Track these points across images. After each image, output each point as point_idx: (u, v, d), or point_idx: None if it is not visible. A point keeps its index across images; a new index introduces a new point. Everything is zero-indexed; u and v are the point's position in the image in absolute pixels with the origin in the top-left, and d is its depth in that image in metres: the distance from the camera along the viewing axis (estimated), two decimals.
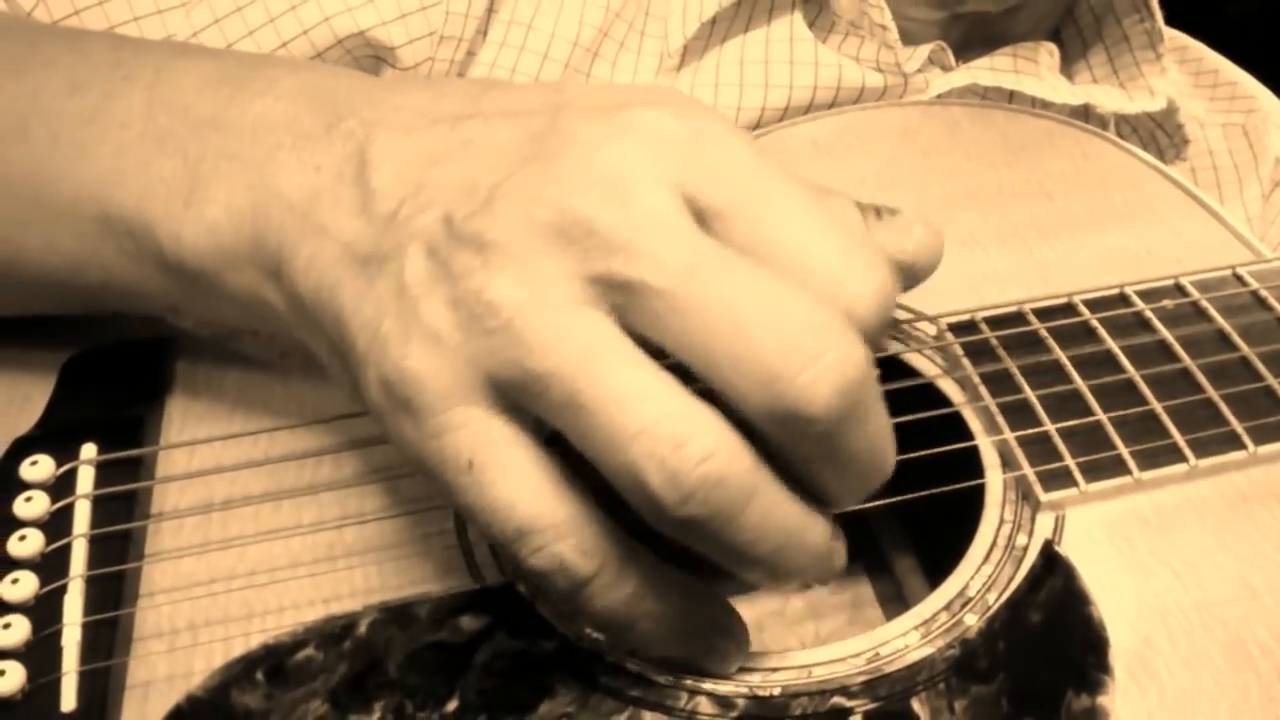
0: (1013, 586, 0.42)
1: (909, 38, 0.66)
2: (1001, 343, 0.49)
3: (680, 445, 0.32)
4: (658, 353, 0.34)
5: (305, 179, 0.39)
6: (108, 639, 0.42)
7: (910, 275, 0.42)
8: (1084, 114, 0.68)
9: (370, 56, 0.59)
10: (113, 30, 0.56)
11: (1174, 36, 0.77)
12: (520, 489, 0.35)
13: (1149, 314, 0.50)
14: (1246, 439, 0.46)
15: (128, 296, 0.46)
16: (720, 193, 0.35)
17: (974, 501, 0.46)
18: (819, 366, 0.32)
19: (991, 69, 0.67)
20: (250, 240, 0.40)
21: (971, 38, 0.68)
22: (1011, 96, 0.67)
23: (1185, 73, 0.77)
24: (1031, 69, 0.67)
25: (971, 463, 0.47)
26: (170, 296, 0.45)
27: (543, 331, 0.33)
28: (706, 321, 0.33)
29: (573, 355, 0.33)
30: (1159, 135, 0.71)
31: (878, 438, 0.35)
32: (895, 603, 0.54)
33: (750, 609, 0.54)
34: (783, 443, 0.34)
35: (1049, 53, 0.68)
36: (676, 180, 0.34)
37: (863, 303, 0.34)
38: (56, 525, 0.45)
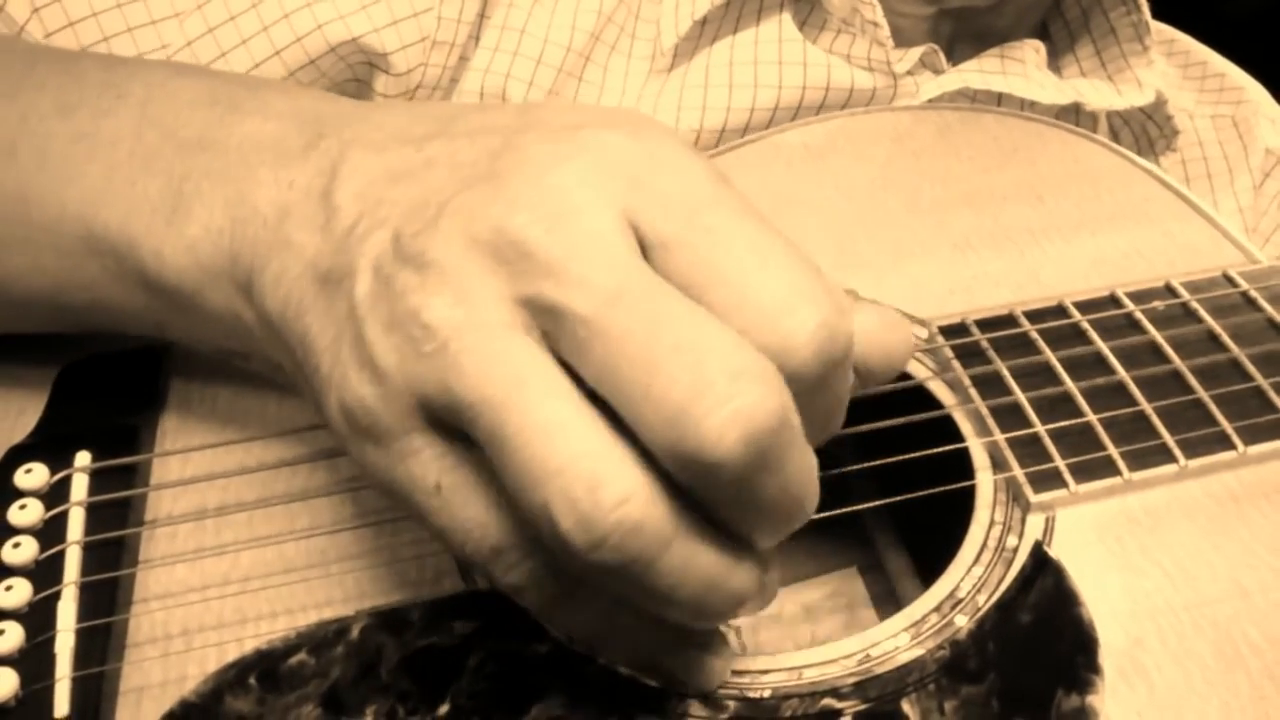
0: (1003, 587, 0.42)
1: (899, 34, 0.66)
2: (992, 344, 0.50)
3: (594, 488, 0.31)
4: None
5: (279, 195, 0.39)
6: (101, 645, 0.42)
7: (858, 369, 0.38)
8: (1073, 112, 0.68)
9: (364, 63, 0.59)
10: (107, 40, 0.56)
11: (1161, 29, 0.78)
12: (490, 509, 0.34)
13: (1139, 315, 0.50)
14: (1236, 439, 0.46)
15: (113, 316, 0.46)
16: (667, 222, 0.33)
17: (966, 502, 0.46)
18: (727, 411, 0.30)
19: (980, 71, 0.67)
20: (228, 257, 0.40)
21: (959, 33, 0.69)
22: (1000, 99, 0.67)
23: (1174, 65, 0.77)
24: (1019, 69, 0.67)
25: (962, 464, 0.47)
26: (154, 316, 0.44)
27: (475, 357, 0.32)
28: (623, 352, 0.31)
29: (500, 382, 0.32)
30: (1150, 127, 0.71)
31: (793, 484, 0.33)
32: (890, 605, 0.54)
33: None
34: (693, 486, 0.33)
35: (1035, 50, 0.68)
36: (623, 205, 0.33)
37: (802, 338, 0.32)
38: (50, 532, 0.45)
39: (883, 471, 0.46)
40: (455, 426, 0.34)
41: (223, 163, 0.41)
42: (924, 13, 0.67)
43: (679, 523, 0.33)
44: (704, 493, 0.33)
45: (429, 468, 0.35)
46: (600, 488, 0.31)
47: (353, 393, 0.35)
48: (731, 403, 0.31)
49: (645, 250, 0.33)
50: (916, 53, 0.66)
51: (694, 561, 0.33)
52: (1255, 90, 0.75)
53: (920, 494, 0.45)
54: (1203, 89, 0.76)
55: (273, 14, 0.57)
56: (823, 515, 0.43)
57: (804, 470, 0.33)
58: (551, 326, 0.33)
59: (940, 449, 0.47)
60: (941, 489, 0.46)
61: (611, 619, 0.36)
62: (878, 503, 0.46)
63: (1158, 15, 0.69)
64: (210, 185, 0.41)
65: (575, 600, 0.35)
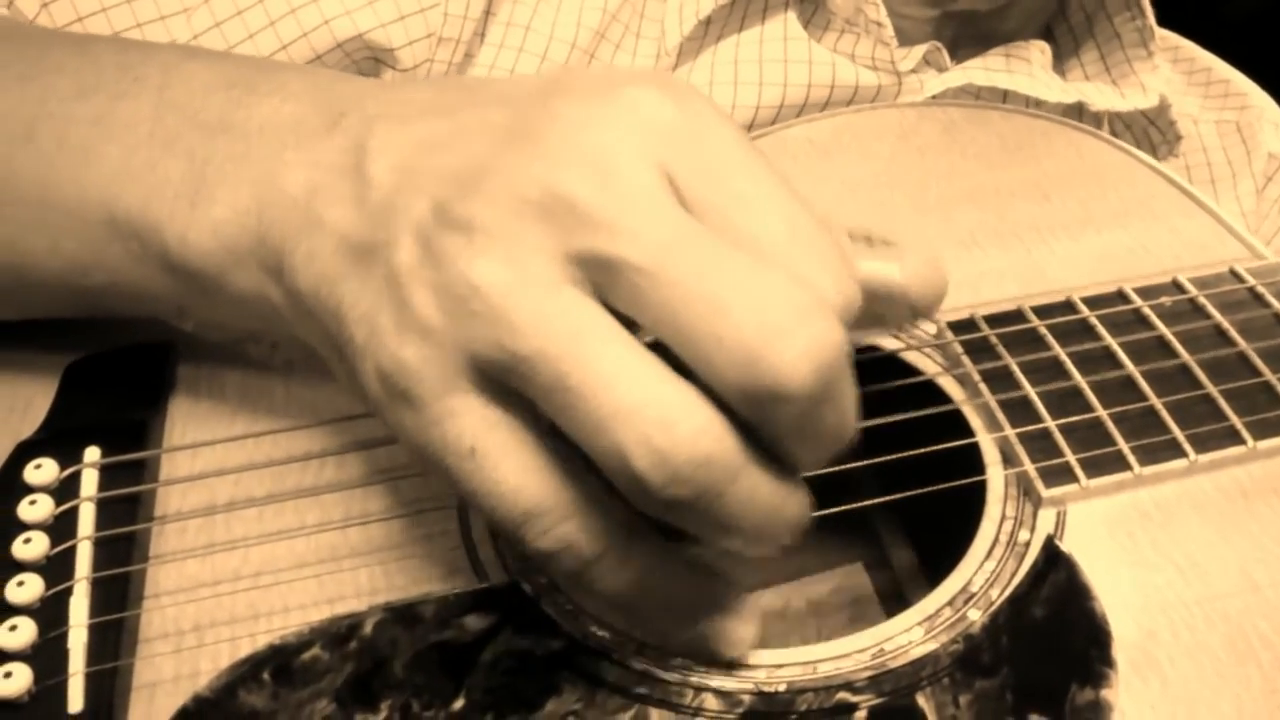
0: (1015, 582, 0.42)
1: (903, 36, 0.66)
2: (1001, 340, 0.50)
3: (667, 426, 0.32)
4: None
5: (306, 175, 0.39)
6: (114, 640, 0.42)
7: (904, 303, 0.41)
8: (1077, 112, 0.68)
9: (369, 59, 0.59)
10: (117, 35, 0.56)
11: (1166, 36, 0.78)
12: (523, 472, 0.35)
13: (1147, 311, 0.51)
14: (1246, 434, 0.46)
15: (134, 299, 0.46)
16: (700, 183, 0.34)
17: (973, 498, 0.46)
18: (799, 346, 0.32)
19: (985, 69, 0.67)
20: (254, 238, 0.40)
21: (963, 35, 0.69)
22: (1005, 96, 0.67)
23: (1179, 71, 0.78)
24: (1024, 68, 0.68)
25: (972, 460, 0.47)
26: (176, 298, 0.45)
27: (527, 313, 0.33)
28: (686, 299, 0.33)
29: (558, 336, 0.33)
30: (1152, 132, 0.71)
31: (847, 411, 0.35)
32: (895, 600, 0.55)
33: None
34: (757, 418, 0.34)
35: (1041, 50, 0.69)
36: (661, 160, 0.34)
37: (832, 291, 0.34)
38: (61, 528, 0.45)
39: (889, 467, 0.46)
40: (502, 384, 0.35)
41: (245, 145, 0.41)
42: (927, 15, 0.67)
43: (744, 456, 0.34)
44: (767, 424, 0.34)
45: (464, 430, 0.35)
46: (671, 425, 0.32)
47: (390, 355, 0.35)
48: (802, 338, 0.32)
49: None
50: (920, 50, 0.66)
51: (759, 489, 0.34)
52: (1259, 96, 0.76)
53: (931, 489, 0.45)
54: (1207, 95, 0.76)
55: (279, 9, 0.57)
56: (834, 511, 0.44)
57: (853, 397, 0.35)
58: (606, 280, 0.34)
59: (951, 444, 0.47)
60: (953, 484, 0.46)
61: (641, 585, 0.37)
62: (888, 498, 0.46)
63: (1158, 15, 0.69)
64: (234, 167, 0.41)
65: (608, 566, 0.36)
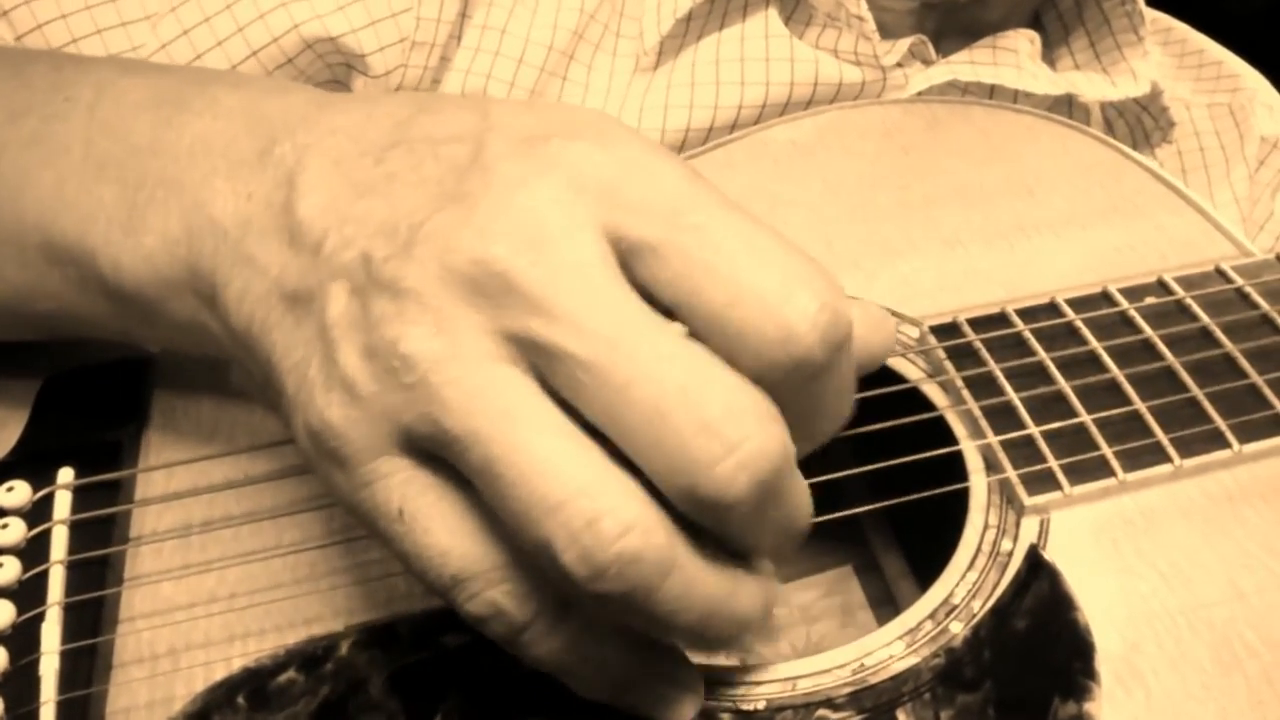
0: (998, 593, 0.42)
1: (885, 29, 0.65)
2: (984, 344, 0.49)
3: (595, 520, 0.31)
4: None
5: (237, 206, 0.38)
6: (87, 667, 0.41)
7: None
8: (1067, 104, 0.67)
9: (342, 64, 0.58)
10: (76, 43, 0.55)
11: (1157, 18, 0.77)
12: (452, 536, 0.34)
13: (1132, 312, 0.50)
14: (1231, 437, 0.45)
15: (80, 323, 0.45)
16: (650, 226, 0.33)
17: (959, 504, 0.46)
18: (737, 456, 0.31)
19: (971, 63, 0.66)
20: (186, 268, 0.39)
21: (946, 27, 0.68)
22: (992, 91, 0.66)
23: (1170, 54, 0.77)
24: (1011, 60, 0.67)
25: (957, 466, 0.47)
26: (119, 324, 0.44)
27: (459, 390, 0.32)
28: (629, 400, 0.31)
29: (490, 418, 0.32)
30: (1145, 119, 0.70)
31: (794, 508, 0.34)
32: (886, 605, 0.54)
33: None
34: (700, 520, 0.33)
35: (1029, 40, 0.68)
36: (602, 220, 0.33)
37: (805, 324, 0.32)
38: (33, 552, 0.44)
39: (877, 472, 0.46)
40: (432, 454, 0.34)
41: (175, 169, 0.40)
42: (907, 7, 0.66)
43: (679, 549, 0.33)
44: (709, 525, 0.33)
45: (392, 493, 0.34)
46: (599, 520, 0.31)
47: (318, 415, 0.34)
48: (741, 448, 0.31)
49: (632, 258, 0.33)
50: (905, 44, 0.65)
51: (696, 586, 0.33)
52: (1252, 78, 0.74)
53: (915, 497, 0.45)
54: (1199, 77, 0.75)
55: (248, 14, 0.56)
56: (819, 519, 0.43)
57: (802, 491, 0.34)
58: (543, 364, 0.32)
59: (934, 452, 0.46)
60: (935, 492, 0.45)
61: (574, 651, 0.36)
62: (873, 506, 0.46)
63: (1160, 7, 0.69)
64: (165, 193, 0.40)
65: (539, 632, 0.35)
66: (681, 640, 0.35)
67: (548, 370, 0.32)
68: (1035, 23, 0.72)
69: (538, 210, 0.33)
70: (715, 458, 0.31)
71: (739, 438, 0.31)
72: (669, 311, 0.33)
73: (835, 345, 0.33)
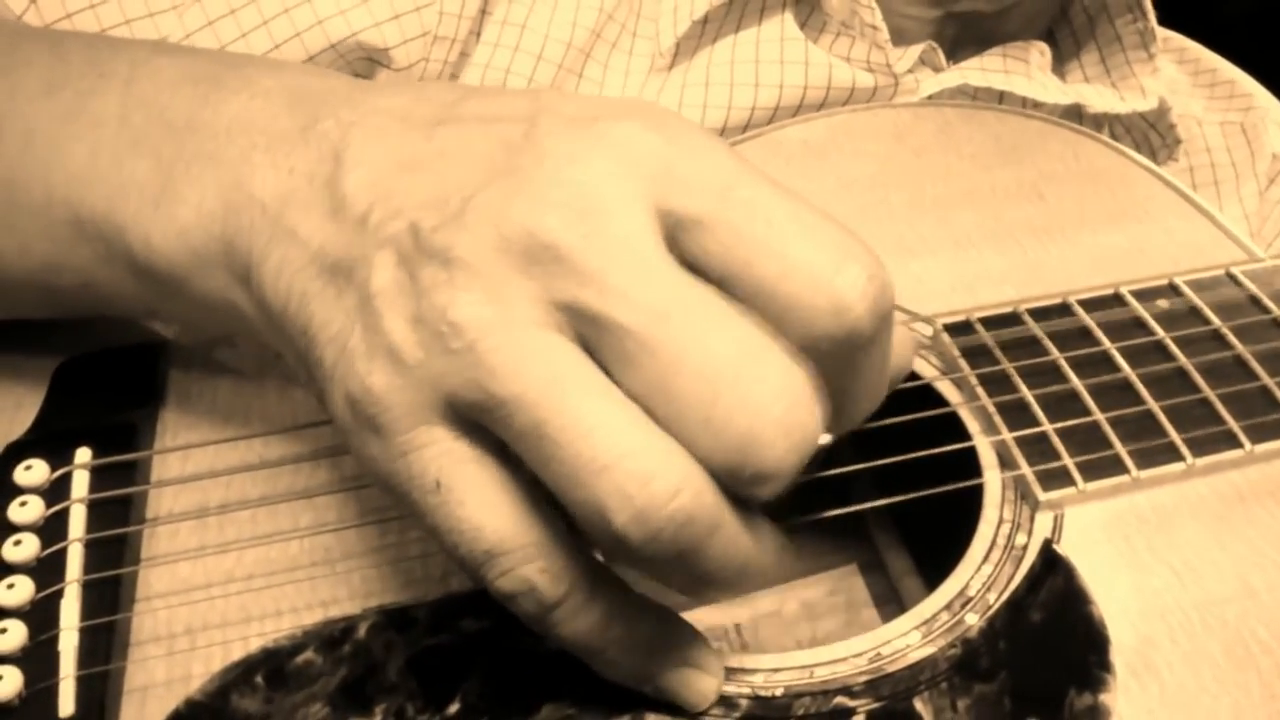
0: (1013, 586, 0.42)
1: (903, 36, 0.66)
2: (998, 343, 0.50)
3: (647, 482, 0.31)
4: None
5: (278, 181, 0.38)
6: (105, 644, 0.41)
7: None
8: (1076, 114, 0.68)
9: (364, 59, 0.58)
10: (103, 32, 0.55)
11: (1171, 37, 0.78)
12: (488, 510, 0.34)
13: (1144, 313, 0.50)
14: (1243, 437, 0.46)
15: (105, 299, 0.45)
16: (699, 200, 0.33)
17: (969, 501, 0.46)
18: (789, 440, 0.32)
19: (982, 69, 0.67)
20: (221, 243, 0.39)
21: (964, 36, 0.69)
22: (1002, 97, 0.67)
23: (1184, 72, 0.78)
24: (1022, 69, 0.67)
25: (969, 463, 0.47)
26: (145, 300, 0.44)
27: (507, 355, 0.32)
28: (679, 374, 0.32)
29: (538, 382, 0.32)
30: (1151, 135, 0.71)
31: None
32: (890, 603, 0.54)
33: (746, 610, 0.54)
34: (735, 489, 0.33)
35: (1040, 52, 0.69)
36: (652, 196, 0.33)
37: (855, 294, 0.32)
38: (52, 530, 0.44)
39: (883, 469, 0.46)
40: (475, 423, 0.34)
41: (213, 144, 0.40)
42: (929, 15, 0.67)
43: (724, 508, 0.33)
44: (745, 494, 0.33)
45: (430, 464, 0.34)
46: (652, 482, 0.32)
47: (360, 383, 0.34)
48: (791, 432, 0.32)
49: (681, 232, 0.33)
50: (916, 50, 0.66)
51: (736, 542, 0.34)
52: (1264, 98, 0.75)
53: (929, 493, 0.45)
54: (1212, 95, 0.76)
55: (273, 8, 0.57)
56: (830, 514, 0.43)
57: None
58: (591, 333, 0.33)
59: (948, 448, 0.47)
60: (950, 488, 0.46)
61: (603, 631, 0.36)
62: (884, 501, 0.46)
63: (1158, 12, 0.69)
64: (201, 168, 0.40)
65: (569, 611, 0.35)
66: (713, 592, 0.35)
67: (596, 341, 0.33)
68: (1048, 36, 0.73)
69: (590, 184, 0.33)
70: (768, 440, 0.32)
71: (790, 420, 0.32)
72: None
73: (883, 317, 0.33)
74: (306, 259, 0.36)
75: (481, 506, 0.34)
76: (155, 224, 0.41)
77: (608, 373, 0.33)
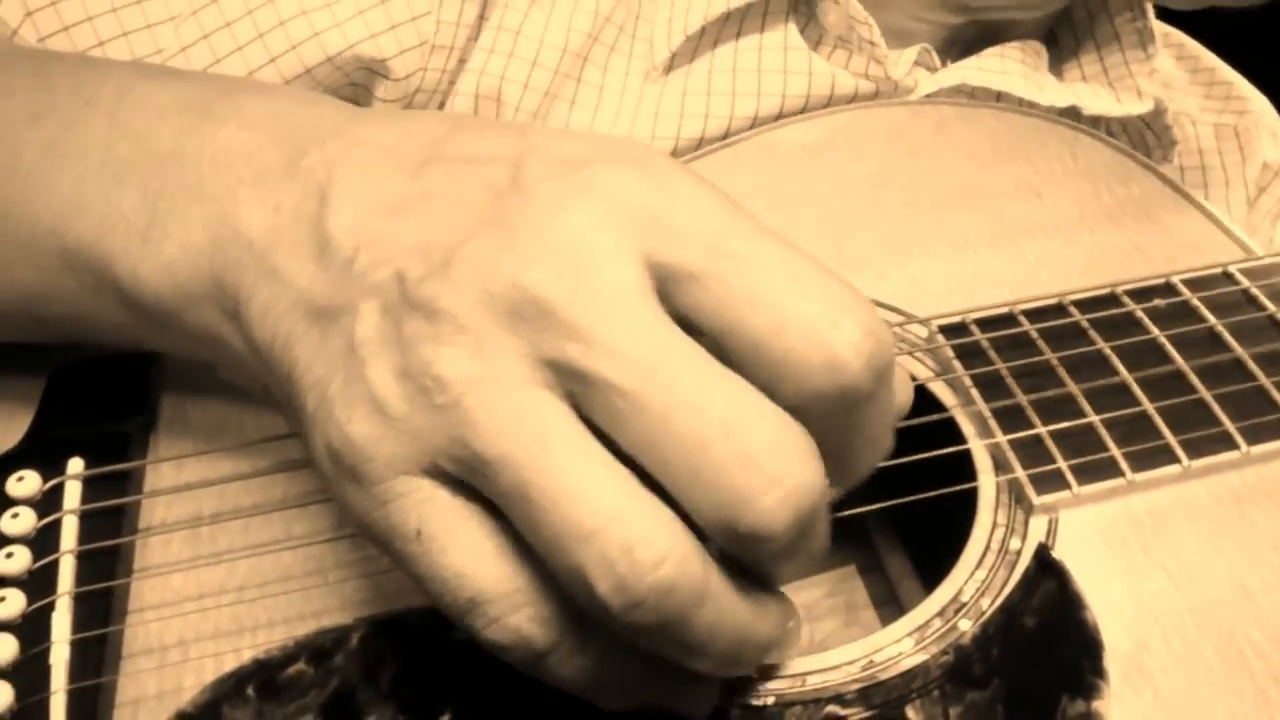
0: (1006, 591, 0.42)
1: (913, 37, 0.66)
2: (992, 344, 0.49)
3: (630, 549, 0.31)
4: None
5: (264, 218, 0.38)
6: (97, 656, 0.41)
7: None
8: (1073, 115, 0.68)
9: (362, 69, 0.58)
10: (102, 45, 0.55)
11: (1170, 34, 0.77)
12: (471, 558, 0.33)
13: (1140, 314, 0.50)
14: (1239, 439, 0.45)
15: (93, 330, 0.45)
16: (690, 252, 0.32)
17: (968, 503, 0.46)
18: (780, 492, 0.31)
19: (979, 69, 0.67)
20: (208, 279, 0.39)
21: (979, 39, 0.68)
22: (999, 98, 0.67)
23: (1182, 69, 0.77)
24: (1018, 69, 0.67)
25: (965, 465, 0.47)
26: (133, 332, 0.43)
27: (493, 413, 0.32)
28: (667, 429, 0.31)
29: (524, 442, 0.31)
30: (1148, 136, 0.70)
31: (820, 538, 0.34)
32: (890, 605, 0.54)
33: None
34: (732, 550, 0.33)
35: (1036, 53, 0.68)
36: (641, 247, 0.32)
37: (850, 350, 0.32)
38: (43, 541, 0.44)
39: (883, 471, 0.46)
40: (456, 478, 0.33)
41: (197, 176, 0.40)
42: (952, 21, 0.66)
43: (713, 577, 0.32)
44: (740, 555, 0.33)
45: (410, 513, 0.34)
46: (635, 549, 0.31)
47: (339, 431, 0.34)
48: (783, 483, 0.31)
49: (672, 285, 0.33)
50: (911, 54, 0.66)
51: (727, 614, 0.33)
52: (1259, 102, 0.75)
53: (924, 496, 0.45)
54: (1209, 95, 0.76)
55: (268, 21, 0.56)
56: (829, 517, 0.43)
57: (826, 523, 0.34)
58: (580, 391, 0.32)
59: (942, 451, 0.46)
60: (945, 491, 0.45)
61: (599, 670, 0.35)
62: (881, 505, 0.46)
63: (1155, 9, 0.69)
64: (186, 202, 0.40)
65: (562, 656, 0.34)
66: (710, 667, 0.34)
67: (584, 397, 0.32)
68: (1048, 33, 0.72)
69: (577, 234, 0.32)
70: (758, 492, 0.31)
71: (782, 472, 0.31)
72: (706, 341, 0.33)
73: (880, 373, 0.33)
74: (292, 301, 0.36)
75: (463, 554, 0.33)
76: (143, 259, 0.40)
77: (597, 429, 0.32)
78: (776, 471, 0.31)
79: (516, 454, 0.31)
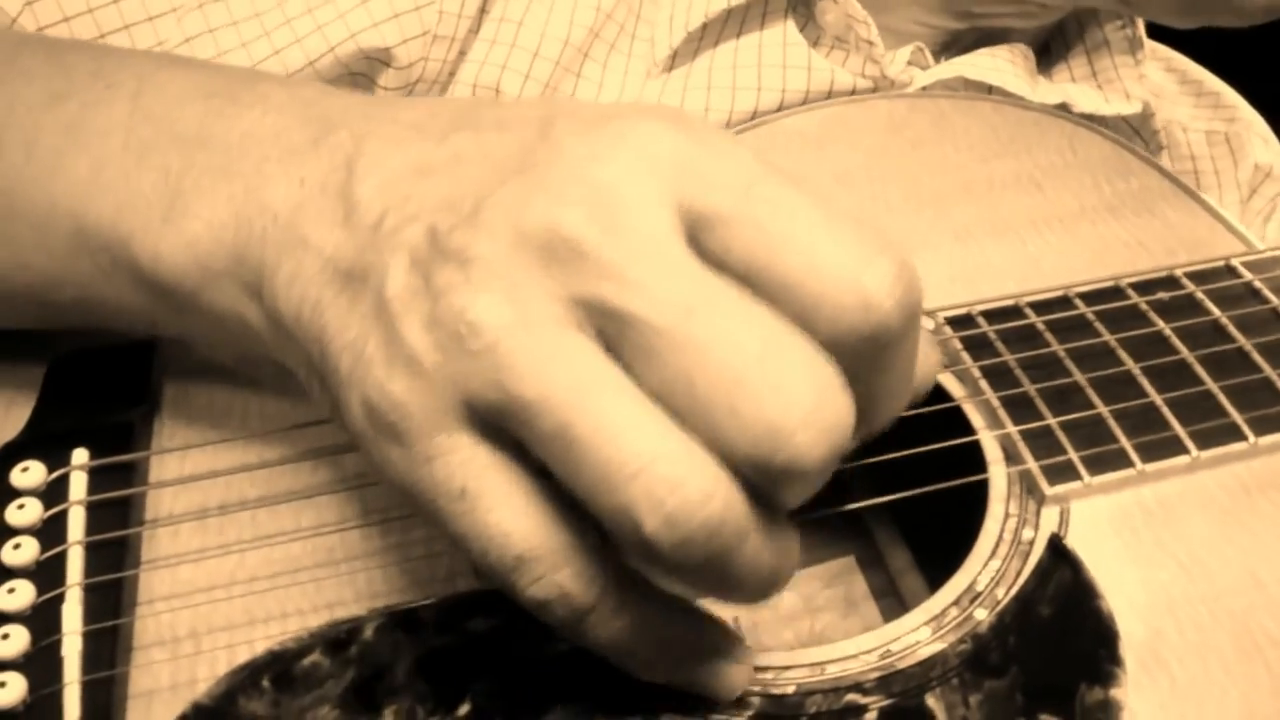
0: (1021, 580, 0.42)
1: (914, 40, 0.66)
2: (999, 336, 0.50)
3: (678, 487, 0.31)
4: None
5: (290, 191, 0.37)
6: (109, 648, 0.41)
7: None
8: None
9: (364, 59, 0.58)
10: (103, 37, 0.54)
11: (1158, 49, 0.78)
12: (516, 516, 0.33)
13: (1144, 306, 0.51)
14: (1247, 430, 0.46)
15: (104, 314, 0.44)
16: (722, 197, 0.33)
17: (971, 496, 0.46)
18: (818, 425, 0.31)
19: (973, 64, 0.67)
20: (231, 255, 0.39)
21: (972, 45, 0.69)
22: (991, 91, 0.67)
23: (1171, 80, 0.78)
24: (1009, 68, 0.68)
25: (971, 457, 0.47)
26: (148, 314, 0.43)
27: (529, 355, 0.31)
28: (704, 366, 0.31)
29: (562, 383, 0.31)
30: (1135, 140, 0.71)
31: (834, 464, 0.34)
32: (889, 597, 0.54)
33: (744, 606, 0.54)
34: (761, 485, 0.33)
35: (1024, 55, 0.69)
36: (673, 194, 0.33)
37: (884, 290, 0.32)
38: (51, 532, 0.44)
39: (887, 464, 0.46)
40: (496, 427, 0.33)
41: (224, 158, 0.39)
42: (952, 26, 0.67)
43: (753, 518, 0.33)
44: (771, 490, 0.33)
45: (455, 470, 0.33)
46: (683, 487, 0.31)
47: (378, 389, 0.33)
48: (821, 416, 0.31)
49: (703, 230, 0.33)
50: (906, 52, 0.66)
51: (764, 550, 0.33)
52: (1247, 110, 0.76)
53: (935, 488, 0.45)
54: (1198, 104, 0.77)
55: (273, 20, 0.56)
56: (834, 510, 0.43)
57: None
58: (613, 330, 0.32)
59: (952, 442, 0.47)
60: (957, 482, 0.45)
61: (638, 632, 0.35)
62: (890, 498, 0.46)
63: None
64: (212, 180, 0.39)
65: (603, 615, 0.34)
66: (739, 598, 0.34)
67: (617, 338, 0.32)
68: (1039, 39, 0.73)
69: (610, 181, 0.32)
70: (797, 425, 0.31)
71: (819, 405, 0.31)
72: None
73: (910, 314, 0.33)
74: (319, 266, 0.36)
75: (509, 513, 0.33)
76: (163, 236, 0.40)
77: (628, 370, 0.32)
78: (814, 404, 0.31)
79: (556, 396, 0.31)
